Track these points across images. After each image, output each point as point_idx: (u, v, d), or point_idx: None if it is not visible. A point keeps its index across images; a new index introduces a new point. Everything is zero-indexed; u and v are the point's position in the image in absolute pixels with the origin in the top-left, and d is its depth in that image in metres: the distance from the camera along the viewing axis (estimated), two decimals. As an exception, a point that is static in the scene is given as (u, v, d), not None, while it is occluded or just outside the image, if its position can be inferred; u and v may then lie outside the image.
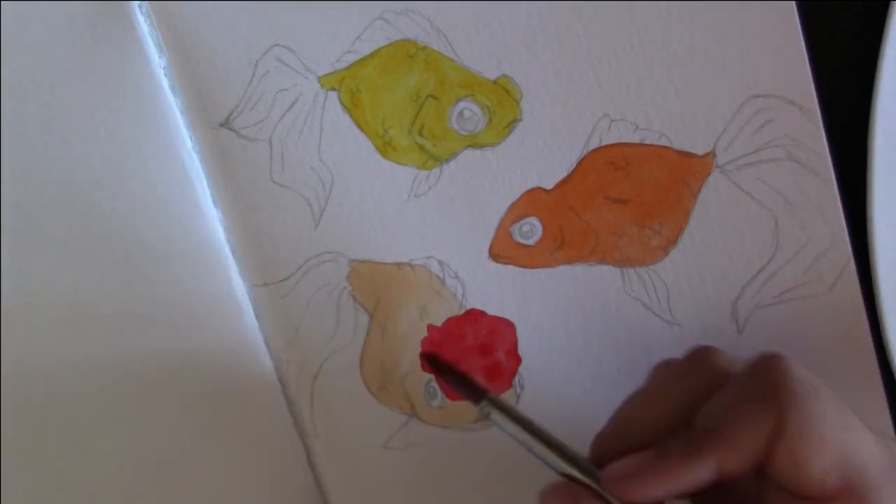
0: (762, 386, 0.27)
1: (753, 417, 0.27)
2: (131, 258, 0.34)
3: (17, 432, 0.35)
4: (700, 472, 0.27)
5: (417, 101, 0.34)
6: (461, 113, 0.34)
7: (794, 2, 0.33)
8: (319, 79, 0.34)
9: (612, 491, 0.28)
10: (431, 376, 0.36)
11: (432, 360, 0.35)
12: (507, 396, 0.36)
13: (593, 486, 0.28)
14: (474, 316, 0.35)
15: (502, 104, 0.34)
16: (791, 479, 0.26)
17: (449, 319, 0.35)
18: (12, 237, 0.34)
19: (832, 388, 0.28)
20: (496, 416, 0.30)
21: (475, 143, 0.34)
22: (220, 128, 0.34)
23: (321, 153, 0.34)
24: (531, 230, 0.35)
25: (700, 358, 0.30)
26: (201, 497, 0.36)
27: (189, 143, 0.34)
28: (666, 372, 0.32)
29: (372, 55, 0.33)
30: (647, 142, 0.34)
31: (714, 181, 0.34)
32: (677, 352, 0.32)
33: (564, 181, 0.34)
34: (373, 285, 0.35)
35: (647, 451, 0.28)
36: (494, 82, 0.34)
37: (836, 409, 0.27)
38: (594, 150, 0.34)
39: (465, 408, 0.36)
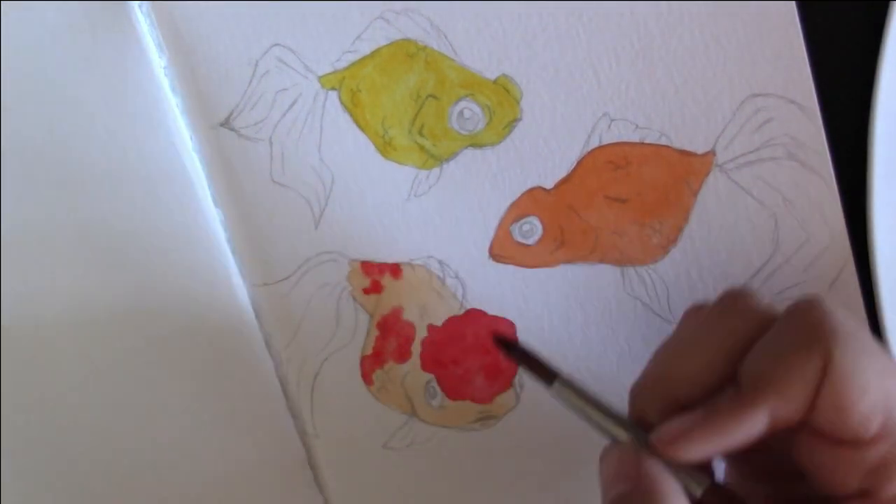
0: (806, 329, 0.26)
1: (802, 362, 0.26)
2: (131, 258, 0.34)
3: (14, 426, 0.35)
4: (752, 426, 0.26)
5: (417, 101, 0.34)
6: (461, 112, 0.34)
7: (794, 2, 0.33)
8: (319, 78, 0.34)
9: (665, 453, 0.27)
10: (432, 376, 0.36)
11: (502, 342, 0.32)
12: (507, 397, 0.36)
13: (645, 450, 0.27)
14: (474, 316, 0.35)
15: (502, 104, 0.34)
16: (833, 423, 0.26)
17: (449, 319, 0.35)
18: (12, 237, 0.34)
19: (868, 332, 0.27)
20: (565, 395, 0.29)
21: (475, 142, 0.34)
22: (220, 128, 0.34)
23: (321, 153, 0.34)
24: (531, 230, 0.35)
25: (736, 299, 0.29)
26: (201, 497, 0.36)
27: (189, 143, 0.34)
28: (701, 317, 0.30)
29: (372, 55, 0.33)
30: (647, 141, 0.34)
31: (714, 180, 0.34)
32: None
33: (564, 180, 0.34)
34: (373, 285, 0.35)
35: (696, 411, 0.27)
36: (494, 82, 0.34)
37: (876, 351, 0.26)
38: (594, 150, 0.34)
39: (465, 408, 0.36)
